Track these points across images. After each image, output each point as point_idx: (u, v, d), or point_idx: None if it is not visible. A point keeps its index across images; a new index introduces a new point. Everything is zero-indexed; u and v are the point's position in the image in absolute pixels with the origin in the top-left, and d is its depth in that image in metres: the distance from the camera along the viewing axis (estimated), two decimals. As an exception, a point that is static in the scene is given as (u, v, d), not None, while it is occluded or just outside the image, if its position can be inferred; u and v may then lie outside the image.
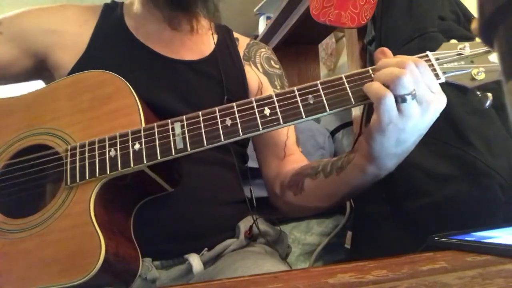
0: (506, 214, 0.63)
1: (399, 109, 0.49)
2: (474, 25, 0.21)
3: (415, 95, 0.48)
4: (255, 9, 2.01)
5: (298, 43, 1.85)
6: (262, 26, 1.99)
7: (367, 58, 1.04)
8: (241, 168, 0.78)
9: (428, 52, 0.55)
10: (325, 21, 0.94)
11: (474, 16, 0.71)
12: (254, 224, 0.72)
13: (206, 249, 0.68)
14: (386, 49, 0.55)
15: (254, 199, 0.76)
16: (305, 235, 1.05)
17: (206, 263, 0.66)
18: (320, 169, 0.64)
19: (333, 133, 1.34)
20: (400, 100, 0.48)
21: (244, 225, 0.72)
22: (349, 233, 1.00)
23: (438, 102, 0.51)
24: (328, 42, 1.91)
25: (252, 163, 0.84)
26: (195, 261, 0.65)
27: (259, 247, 0.73)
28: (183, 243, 0.66)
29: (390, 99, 0.48)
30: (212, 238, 0.69)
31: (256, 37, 1.92)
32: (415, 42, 0.77)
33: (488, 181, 0.65)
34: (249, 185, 0.80)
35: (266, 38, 1.80)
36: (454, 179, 0.67)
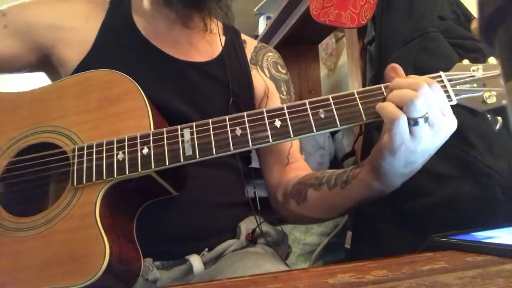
0: (506, 214, 0.63)
1: (411, 132, 0.49)
2: (474, 25, 0.21)
3: (428, 118, 0.48)
4: (255, 9, 2.01)
5: (298, 43, 1.84)
6: (262, 26, 1.99)
7: (367, 58, 1.04)
8: (244, 170, 0.78)
9: (441, 73, 0.55)
10: (325, 21, 0.94)
11: (474, 16, 0.71)
12: (257, 227, 0.72)
13: (206, 249, 0.68)
14: (397, 66, 0.54)
15: (258, 201, 0.75)
16: (305, 235, 1.06)
17: (206, 264, 0.66)
18: (324, 181, 0.63)
19: (333, 133, 1.34)
20: (412, 123, 0.48)
21: (245, 225, 0.72)
22: (349, 233, 1.00)
23: (449, 126, 0.50)
24: (328, 42, 1.91)
25: (255, 164, 0.84)
26: (196, 261, 0.65)
27: (259, 247, 0.73)
28: (184, 243, 0.66)
29: (403, 122, 0.48)
30: (213, 239, 0.69)
31: (256, 37, 1.92)
32: (415, 42, 0.77)
33: (488, 181, 0.65)
34: (253, 185, 0.79)
35: (266, 38, 1.80)
36: (454, 179, 0.67)
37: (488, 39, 0.20)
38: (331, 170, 0.65)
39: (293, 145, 0.78)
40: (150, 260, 0.64)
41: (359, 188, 0.57)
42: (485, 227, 0.53)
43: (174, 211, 0.65)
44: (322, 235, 1.05)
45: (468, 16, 0.81)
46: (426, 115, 0.48)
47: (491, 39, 0.20)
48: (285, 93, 0.82)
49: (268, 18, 1.97)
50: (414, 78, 0.51)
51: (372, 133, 0.81)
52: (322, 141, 1.29)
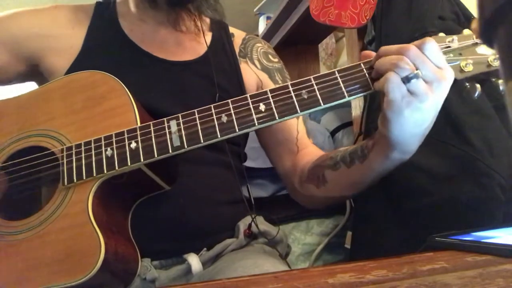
0: (506, 214, 0.63)
1: (409, 90, 0.49)
2: (474, 25, 0.21)
3: (418, 75, 0.49)
4: (255, 9, 2.00)
5: (298, 43, 1.84)
6: (262, 26, 1.99)
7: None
8: (238, 168, 0.78)
9: None
10: (325, 21, 0.94)
11: (474, 16, 0.71)
12: (253, 223, 0.72)
13: (205, 249, 0.68)
14: (370, 52, 0.55)
15: (252, 198, 0.75)
16: (305, 235, 1.05)
17: (205, 263, 0.66)
18: (339, 159, 0.63)
19: (333, 133, 1.34)
20: (405, 81, 0.49)
21: (243, 224, 0.72)
22: (349, 233, 1.00)
23: (448, 77, 0.51)
24: (328, 42, 1.91)
25: (250, 163, 0.84)
26: (194, 261, 0.65)
27: (259, 246, 0.73)
28: (182, 242, 0.66)
29: (394, 76, 0.49)
30: (211, 238, 0.69)
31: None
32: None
33: (488, 181, 0.65)
34: (247, 184, 0.79)
35: (266, 38, 1.80)
36: (454, 179, 0.67)
37: (488, 39, 0.20)
38: (343, 149, 0.65)
39: (299, 132, 0.77)
40: (148, 259, 0.64)
41: (378, 160, 0.57)
42: (485, 227, 0.53)
43: (170, 209, 0.65)
44: (322, 235, 1.05)
45: (468, 16, 0.81)
46: (415, 72, 0.48)
47: (491, 39, 0.20)
48: (280, 82, 0.81)
49: (268, 18, 1.96)
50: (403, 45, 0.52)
51: (373, 133, 0.81)
52: (322, 141, 1.29)
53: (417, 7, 0.80)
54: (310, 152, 0.76)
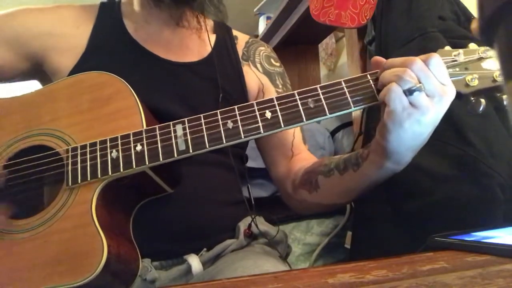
0: (506, 214, 0.63)
1: (410, 102, 0.50)
2: (474, 25, 0.21)
3: (420, 88, 0.49)
4: (255, 9, 2.00)
5: (298, 43, 1.84)
6: (262, 26, 1.99)
7: (367, 58, 1.04)
8: (240, 169, 0.78)
9: None
10: (325, 21, 0.94)
11: (474, 16, 0.71)
12: (253, 223, 0.72)
13: (205, 249, 0.68)
14: (379, 58, 0.56)
15: (252, 198, 0.76)
16: (305, 235, 1.05)
17: (205, 264, 0.66)
18: (333, 166, 0.64)
19: (333, 133, 1.34)
20: (408, 93, 0.49)
21: (244, 225, 0.73)
22: (349, 233, 1.00)
23: (449, 93, 0.51)
24: (328, 42, 1.91)
25: (250, 163, 0.84)
26: (194, 261, 0.65)
27: (259, 247, 0.73)
28: (182, 243, 0.66)
29: (396, 87, 0.50)
30: (211, 239, 0.69)
31: (256, 37, 1.91)
32: (415, 42, 0.77)
33: (488, 181, 0.65)
34: (249, 185, 0.79)
35: (266, 38, 1.80)
36: (454, 179, 0.67)
37: (488, 39, 0.20)
38: (338, 156, 0.66)
39: (295, 137, 0.78)
40: (148, 260, 0.64)
41: (371, 169, 0.58)
42: (485, 227, 0.53)
43: (172, 210, 0.65)
44: (322, 235, 1.05)
45: (468, 16, 0.81)
46: (419, 86, 0.49)
47: (491, 39, 0.20)
48: (280, 86, 0.82)
49: (268, 18, 1.96)
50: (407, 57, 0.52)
51: (372, 133, 0.81)
52: (322, 141, 1.29)
53: (417, 7, 0.80)
54: (304, 157, 0.76)
